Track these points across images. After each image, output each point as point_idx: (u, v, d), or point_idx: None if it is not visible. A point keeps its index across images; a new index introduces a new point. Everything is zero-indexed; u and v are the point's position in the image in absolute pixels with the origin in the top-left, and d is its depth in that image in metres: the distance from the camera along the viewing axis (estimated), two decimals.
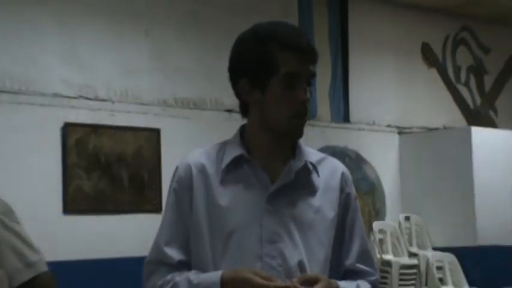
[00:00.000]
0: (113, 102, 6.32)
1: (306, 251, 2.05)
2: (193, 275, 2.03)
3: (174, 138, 6.46)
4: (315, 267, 2.04)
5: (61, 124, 6.01)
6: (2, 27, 5.88)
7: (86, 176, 6.06)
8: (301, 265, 2.03)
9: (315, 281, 1.98)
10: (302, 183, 2.09)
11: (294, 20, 7.42)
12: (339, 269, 2.13)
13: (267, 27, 2.08)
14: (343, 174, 2.17)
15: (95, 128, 6.16)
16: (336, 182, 2.14)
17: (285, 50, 2.02)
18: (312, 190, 2.10)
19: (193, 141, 6.18)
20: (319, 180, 2.12)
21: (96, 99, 6.23)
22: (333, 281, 2.04)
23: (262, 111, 2.06)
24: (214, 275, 1.99)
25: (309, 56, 2.06)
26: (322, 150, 7.28)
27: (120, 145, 6.26)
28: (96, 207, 6.10)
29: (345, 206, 2.15)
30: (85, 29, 6.26)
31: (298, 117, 2.04)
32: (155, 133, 6.45)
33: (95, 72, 6.25)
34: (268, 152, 2.09)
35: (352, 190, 2.19)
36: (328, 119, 7.64)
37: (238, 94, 2.11)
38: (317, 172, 2.12)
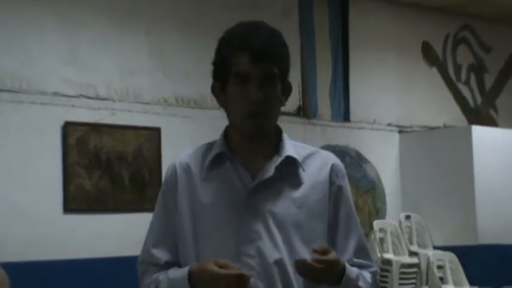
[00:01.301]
0: (114, 101, 6.32)
1: (288, 249, 2.04)
2: (172, 272, 2.07)
3: (175, 137, 6.46)
4: None
5: (61, 123, 6.00)
6: (2, 26, 5.88)
7: (87, 175, 6.06)
8: (279, 263, 2.02)
9: (327, 251, 1.98)
10: (285, 178, 2.08)
11: (294, 18, 7.43)
12: None
13: (229, 30, 2.12)
14: (333, 166, 2.15)
15: (96, 127, 6.16)
16: (324, 175, 2.12)
17: (236, 51, 2.04)
18: (295, 185, 2.09)
19: (193, 140, 6.15)
20: (305, 174, 2.11)
21: (97, 98, 6.23)
22: (341, 259, 2.04)
23: (228, 113, 2.11)
24: (184, 270, 2.03)
25: (261, 55, 2.02)
26: (323, 149, 7.28)
27: (120, 144, 6.26)
28: (96, 206, 6.10)
29: (336, 199, 2.13)
30: (86, 28, 6.25)
31: (252, 117, 2.03)
32: (156, 132, 6.45)
33: (95, 71, 6.25)
34: (249, 149, 2.10)
35: (344, 182, 2.16)
36: (328, 117, 7.63)
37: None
38: (302, 167, 2.11)
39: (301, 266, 1.95)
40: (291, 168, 2.10)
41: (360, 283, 2.06)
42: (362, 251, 2.16)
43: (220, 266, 1.94)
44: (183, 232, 2.09)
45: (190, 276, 2.00)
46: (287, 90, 2.13)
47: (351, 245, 2.13)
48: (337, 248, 2.11)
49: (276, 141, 2.13)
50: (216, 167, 2.10)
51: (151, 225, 2.17)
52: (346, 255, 2.12)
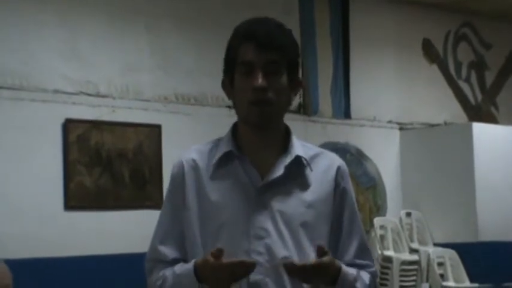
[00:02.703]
0: (114, 98, 6.32)
1: (296, 247, 2.05)
2: (178, 267, 2.07)
3: (175, 134, 6.46)
4: None
5: (62, 120, 6.01)
6: (3, 23, 5.88)
7: (87, 172, 6.06)
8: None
9: (324, 253, 2.00)
10: (294, 178, 2.10)
11: (295, 16, 7.42)
12: None
13: (238, 25, 2.13)
14: (339, 168, 2.16)
15: (96, 124, 6.16)
16: (330, 177, 2.14)
17: (242, 41, 2.07)
18: (304, 185, 2.10)
19: (194, 137, 6.17)
20: (313, 174, 2.12)
21: (97, 95, 6.23)
22: (337, 261, 2.06)
23: (235, 105, 2.12)
24: (190, 264, 2.04)
25: (266, 44, 2.05)
26: (324, 146, 7.29)
27: (121, 141, 6.26)
28: (97, 203, 6.10)
29: (341, 201, 2.15)
30: (86, 25, 6.25)
31: (255, 104, 2.04)
32: (156, 129, 6.45)
33: (95, 68, 6.25)
34: (258, 147, 2.11)
35: (349, 185, 2.18)
36: (329, 115, 7.63)
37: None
38: (310, 167, 2.12)
39: (291, 269, 1.97)
40: (299, 168, 2.11)
41: (358, 285, 2.08)
42: (363, 252, 2.17)
43: (215, 256, 1.95)
44: (191, 229, 2.09)
45: (196, 269, 2.01)
46: (296, 85, 2.14)
47: (353, 247, 2.15)
48: (339, 248, 2.14)
49: (284, 140, 2.14)
50: (223, 165, 2.10)
51: (159, 222, 2.16)
52: (347, 256, 2.14)
